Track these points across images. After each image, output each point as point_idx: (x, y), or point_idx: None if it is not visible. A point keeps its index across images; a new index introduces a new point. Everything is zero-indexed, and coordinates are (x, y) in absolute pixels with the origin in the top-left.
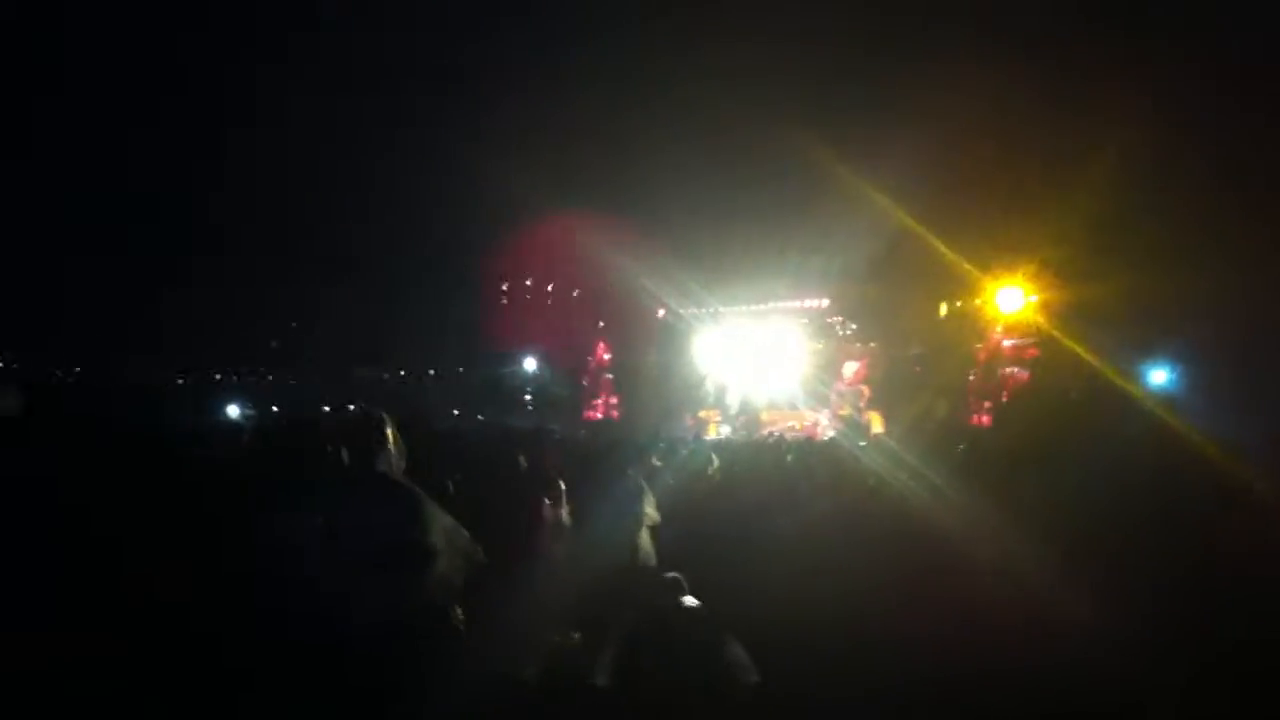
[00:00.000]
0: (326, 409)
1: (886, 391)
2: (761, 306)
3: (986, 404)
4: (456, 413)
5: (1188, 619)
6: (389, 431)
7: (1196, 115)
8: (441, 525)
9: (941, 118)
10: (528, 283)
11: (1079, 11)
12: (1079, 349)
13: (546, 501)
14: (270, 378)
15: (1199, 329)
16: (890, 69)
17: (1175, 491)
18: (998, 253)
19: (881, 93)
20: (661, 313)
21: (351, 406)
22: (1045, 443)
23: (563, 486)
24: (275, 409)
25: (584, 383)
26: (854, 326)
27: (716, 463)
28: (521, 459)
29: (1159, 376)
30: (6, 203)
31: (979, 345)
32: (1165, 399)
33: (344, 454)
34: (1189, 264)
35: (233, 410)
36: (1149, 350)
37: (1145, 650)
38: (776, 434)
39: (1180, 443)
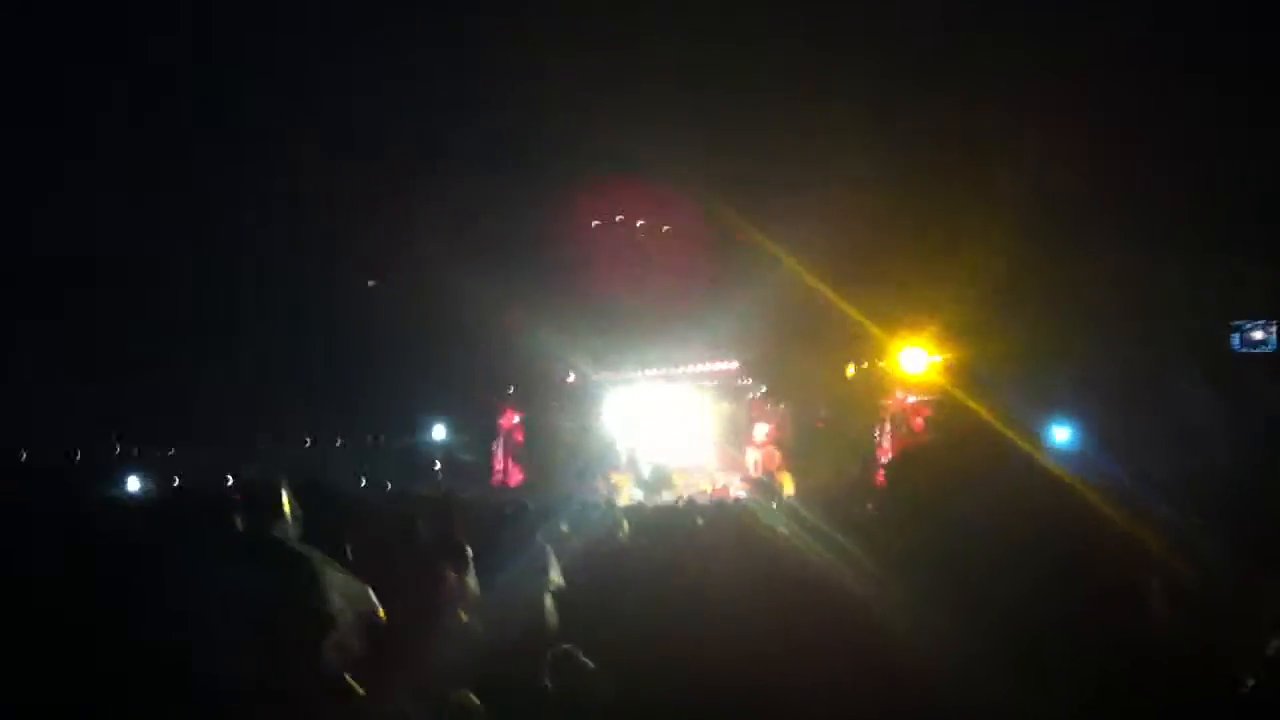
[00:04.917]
0: (229, 480)
1: (797, 453)
2: (673, 370)
3: (890, 463)
4: (364, 482)
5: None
6: (284, 498)
7: (1100, 174)
8: (339, 589)
9: (849, 183)
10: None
11: (983, 71)
12: (978, 407)
13: (451, 568)
14: (171, 451)
15: (1095, 384)
16: (798, 131)
17: (1067, 543)
18: (903, 314)
19: (789, 157)
20: (571, 377)
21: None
22: (943, 498)
23: (469, 552)
24: (176, 480)
25: (493, 448)
26: (764, 389)
27: (627, 527)
28: (425, 525)
29: (1060, 434)
30: None
31: (884, 405)
32: (1064, 454)
33: (239, 521)
34: (1085, 321)
35: (134, 483)
36: (1050, 407)
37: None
38: (687, 497)
39: (1075, 496)
